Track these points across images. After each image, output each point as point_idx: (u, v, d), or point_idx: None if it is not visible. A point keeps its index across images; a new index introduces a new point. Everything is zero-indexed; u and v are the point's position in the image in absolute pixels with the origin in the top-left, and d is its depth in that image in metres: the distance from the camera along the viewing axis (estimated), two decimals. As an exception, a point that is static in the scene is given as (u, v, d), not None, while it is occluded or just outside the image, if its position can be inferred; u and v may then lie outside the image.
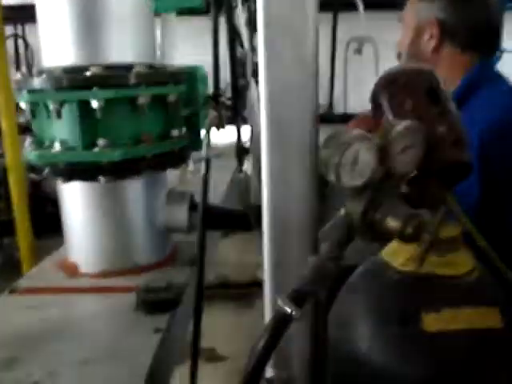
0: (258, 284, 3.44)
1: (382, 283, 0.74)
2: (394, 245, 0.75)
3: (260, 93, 0.78)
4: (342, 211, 0.72)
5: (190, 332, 1.42)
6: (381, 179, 0.63)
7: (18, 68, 5.03)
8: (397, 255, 0.74)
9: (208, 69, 1.70)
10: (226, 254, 4.57)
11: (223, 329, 3.37)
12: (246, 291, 4.03)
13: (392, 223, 0.63)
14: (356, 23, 4.96)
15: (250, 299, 3.98)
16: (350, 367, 0.73)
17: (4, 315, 1.31)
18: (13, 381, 1.00)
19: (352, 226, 0.65)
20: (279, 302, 0.61)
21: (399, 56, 1.48)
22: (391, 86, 0.76)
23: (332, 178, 0.61)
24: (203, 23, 4.60)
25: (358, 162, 0.60)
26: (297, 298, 0.61)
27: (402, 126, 0.64)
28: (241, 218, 1.63)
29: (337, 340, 0.75)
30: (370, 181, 0.62)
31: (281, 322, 0.61)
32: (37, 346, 1.14)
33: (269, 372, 0.85)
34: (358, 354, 0.70)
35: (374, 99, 0.78)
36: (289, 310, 0.60)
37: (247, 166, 3.41)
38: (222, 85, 1.71)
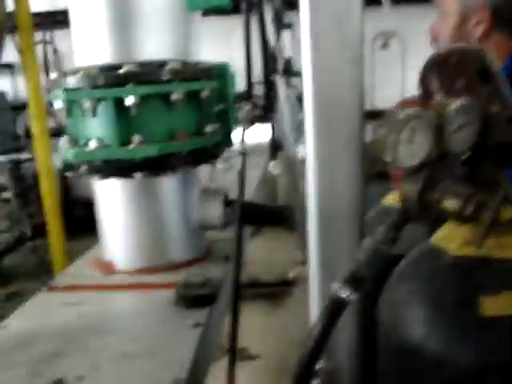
0: (287, 283, 3.47)
1: (436, 268, 0.72)
2: (445, 230, 0.73)
3: (304, 80, 0.77)
4: (388, 198, 0.71)
5: (223, 330, 1.42)
6: (436, 159, 0.62)
7: (47, 73, 5.12)
8: (450, 240, 0.72)
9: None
10: (256, 253, 4.57)
11: (254, 328, 3.36)
12: (276, 290, 4.02)
13: (451, 202, 0.61)
14: (382, 18, 4.91)
15: (280, 298, 3.97)
16: (403, 355, 0.71)
17: (44, 311, 1.32)
18: (55, 375, 1.01)
19: (408, 208, 0.63)
20: (334, 286, 0.60)
21: (435, 42, 1.43)
22: (441, 67, 0.74)
23: (388, 158, 0.60)
24: (227, 23, 4.61)
25: (415, 141, 0.59)
26: (353, 282, 0.60)
27: (457, 103, 0.62)
28: (276, 215, 1.63)
29: (388, 328, 0.74)
30: (426, 160, 0.60)
31: (337, 306, 0.60)
32: (78, 341, 1.15)
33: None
34: (413, 341, 0.68)
35: (423, 82, 0.76)
36: (345, 295, 0.59)
37: (274, 165, 3.39)
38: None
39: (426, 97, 0.74)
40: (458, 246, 0.70)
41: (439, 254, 0.72)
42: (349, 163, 0.77)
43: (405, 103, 1.04)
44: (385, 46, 5.28)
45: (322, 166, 0.78)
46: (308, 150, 0.80)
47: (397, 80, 5.19)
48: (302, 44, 0.80)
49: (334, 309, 0.61)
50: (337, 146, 0.78)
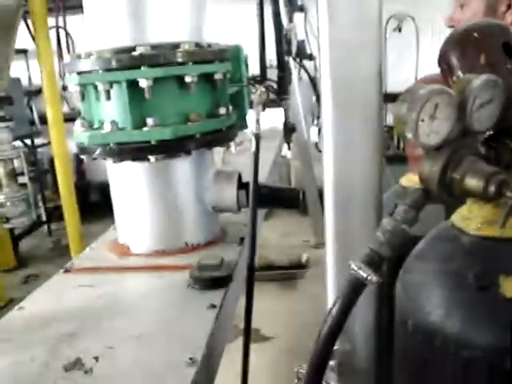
0: (300, 266, 3.51)
1: (456, 248, 0.71)
2: (464, 210, 0.72)
3: (321, 57, 0.76)
4: (404, 178, 0.69)
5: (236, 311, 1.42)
6: (458, 137, 0.61)
7: (61, 58, 5.13)
8: (469, 220, 0.71)
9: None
10: (268, 237, 4.60)
11: (268, 309, 3.39)
12: (289, 273, 4.05)
13: (473, 182, 0.60)
14: (394, 1, 4.84)
15: (292, 281, 4.00)
16: (421, 336, 0.70)
17: (60, 293, 1.33)
18: (73, 355, 1.02)
19: (428, 187, 0.62)
20: (353, 265, 0.60)
21: None
22: (463, 43, 0.72)
23: (409, 135, 0.59)
24: (240, 6, 4.57)
25: (437, 118, 0.57)
26: (373, 263, 0.59)
27: (480, 79, 0.60)
28: (289, 197, 1.62)
29: (406, 309, 0.73)
30: (448, 138, 0.59)
31: (356, 286, 0.60)
32: (94, 322, 1.16)
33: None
34: (431, 322, 0.68)
35: (444, 59, 0.74)
36: (364, 275, 0.59)
37: (285, 149, 3.40)
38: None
39: (447, 74, 0.73)
40: (477, 226, 0.69)
41: (459, 234, 0.71)
42: (366, 144, 0.76)
43: (425, 81, 1.01)
44: (398, 28, 5.21)
45: (338, 146, 0.77)
46: (325, 131, 0.79)
47: (410, 63, 5.12)
48: (319, 24, 0.78)
49: (353, 289, 0.60)
50: (354, 126, 0.77)
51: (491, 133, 0.66)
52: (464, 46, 0.72)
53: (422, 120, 0.58)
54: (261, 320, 3.10)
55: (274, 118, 2.40)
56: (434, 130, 0.59)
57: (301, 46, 3.16)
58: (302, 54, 3.31)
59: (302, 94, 3.72)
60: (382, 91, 0.77)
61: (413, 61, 5.14)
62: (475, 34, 0.71)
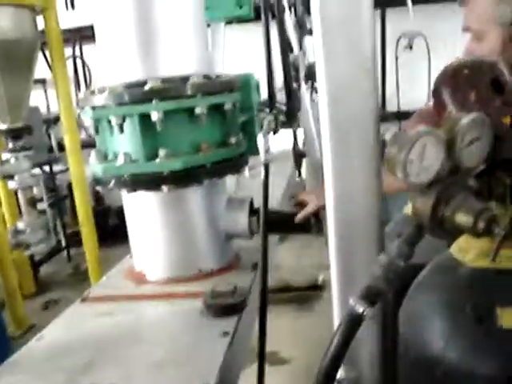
0: (317, 287, 3.47)
1: (453, 280, 0.73)
2: (462, 241, 0.74)
3: (319, 91, 0.79)
4: (406, 210, 0.72)
5: (253, 336, 1.44)
6: (448, 174, 0.63)
7: (78, 87, 5.25)
8: (466, 251, 0.72)
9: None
10: (285, 259, 4.60)
11: (285, 332, 3.38)
12: (305, 295, 4.04)
13: (463, 218, 0.62)
14: (405, 18, 4.89)
15: (309, 303, 3.99)
16: (422, 366, 0.72)
17: (78, 322, 1.36)
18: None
19: (421, 224, 0.64)
20: (351, 301, 0.62)
21: (467, 30, 1.36)
22: (454, 79, 0.75)
23: (399, 175, 0.61)
24: (251, 30, 4.65)
25: (425, 158, 0.60)
26: (369, 297, 0.61)
27: (468, 118, 0.63)
28: (301, 222, 1.64)
29: (408, 338, 0.75)
30: (437, 176, 0.61)
31: (353, 321, 0.62)
32: (111, 351, 1.19)
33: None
34: (432, 352, 0.69)
35: (436, 94, 0.76)
36: (361, 309, 0.61)
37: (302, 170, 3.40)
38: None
39: (440, 109, 0.75)
40: (474, 257, 0.71)
41: (456, 265, 0.72)
42: (365, 173, 0.78)
43: (421, 114, 1.04)
44: (409, 46, 5.25)
45: (339, 177, 0.79)
46: (325, 161, 0.81)
47: (423, 81, 5.13)
48: (315, 57, 0.82)
49: (351, 323, 0.62)
50: (353, 156, 0.79)
51: (483, 168, 0.68)
52: (456, 83, 0.74)
53: (412, 160, 0.60)
54: (278, 342, 3.09)
55: (286, 140, 2.44)
56: (424, 169, 0.61)
57: (312, 68, 3.21)
58: (314, 76, 3.35)
59: (315, 115, 3.75)
60: (378, 121, 0.78)
61: (425, 78, 5.16)
62: (466, 71, 0.73)
